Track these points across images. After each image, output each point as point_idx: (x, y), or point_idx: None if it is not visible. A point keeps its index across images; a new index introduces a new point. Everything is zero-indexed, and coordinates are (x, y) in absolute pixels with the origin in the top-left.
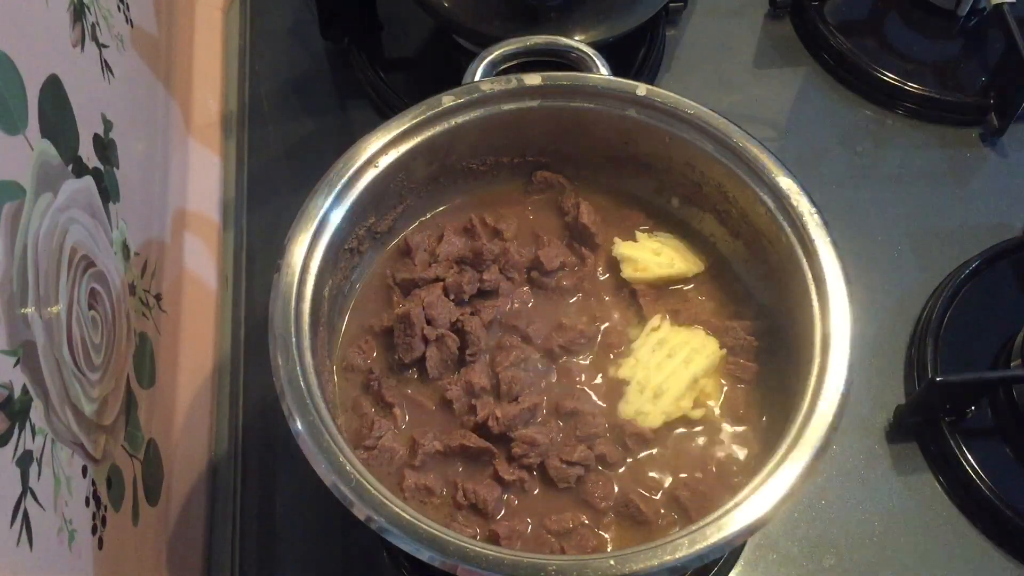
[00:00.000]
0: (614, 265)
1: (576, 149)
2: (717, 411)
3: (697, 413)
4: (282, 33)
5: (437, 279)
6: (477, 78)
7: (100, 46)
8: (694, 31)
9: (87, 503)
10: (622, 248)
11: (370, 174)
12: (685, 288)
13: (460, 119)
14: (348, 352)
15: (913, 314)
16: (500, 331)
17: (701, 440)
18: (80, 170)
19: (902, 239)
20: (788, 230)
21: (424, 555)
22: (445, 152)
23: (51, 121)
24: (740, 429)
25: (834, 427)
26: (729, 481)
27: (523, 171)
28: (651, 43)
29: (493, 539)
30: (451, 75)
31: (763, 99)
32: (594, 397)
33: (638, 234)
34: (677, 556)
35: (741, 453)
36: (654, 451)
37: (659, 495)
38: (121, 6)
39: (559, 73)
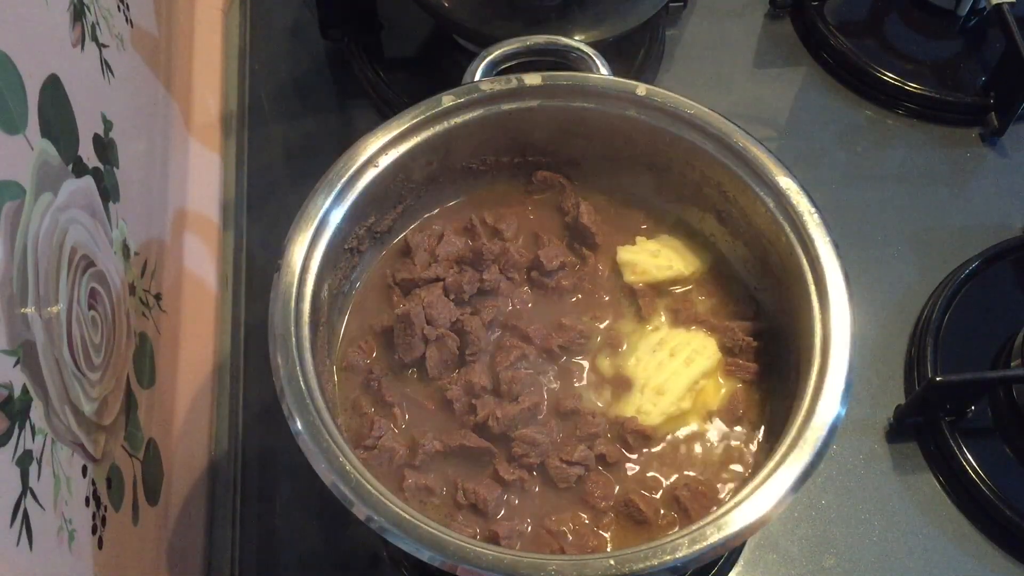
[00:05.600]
0: (614, 265)
1: (576, 149)
2: (717, 411)
3: (697, 413)
4: (282, 33)
5: (437, 279)
6: (477, 78)
7: (100, 46)
8: (694, 31)
9: (87, 503)
10: (622, 254)
11: (370, 174)
12: (685, 288)
13: (460, 119)
14: (348, 352)
15: (913, 314)
16: (500, 331)
17: (701, 440)
18: (80, 170)
19: (902, 239)
20: (788, 230)
21: (424, 555)
22: (445, 152)
23: (51, 121)
24: (740, 429)
25: (834, 427)
26: (729, 481)
27: (523, 171)
28: (651, 43)
29: (493, 539)
30: (451, 75)
31: (763, 99)
32: (594, 397)
33: (637, 237)
34: (677, 556)
35: (741, 453)
36: (654, 451)
37: (659, 495)
38: (121, 6)
39: (559, 73)
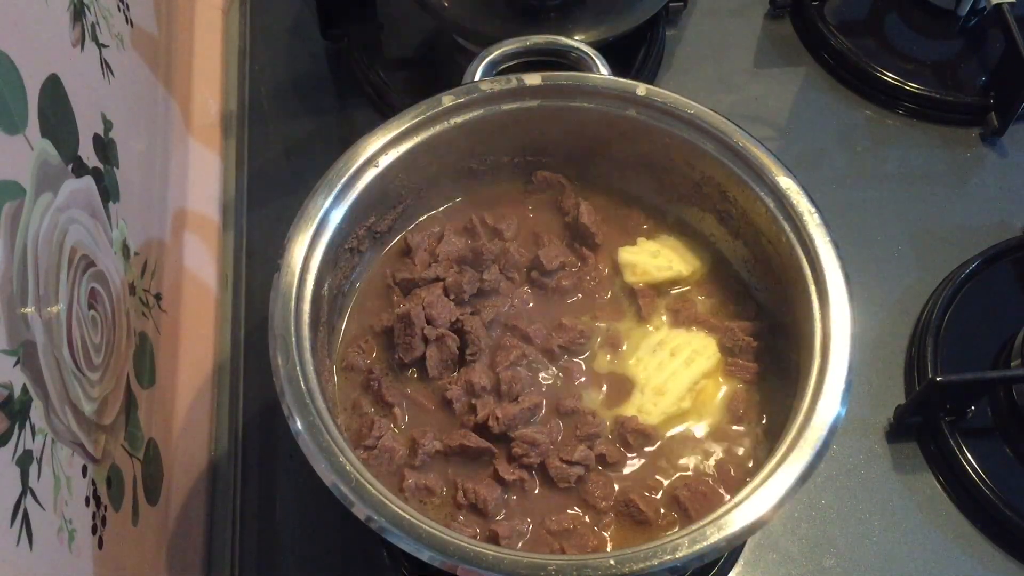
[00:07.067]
0: (614, 265)
1: (576, 149)
2: (717, 411)
3: (697, 413)
4: (282, 33)
5: (437, 279)
6: (477, 78)
7: (100, 46)
8: (694, 31)
9: (87, 503)
10: (622, 254)
11: (370, 174)
12: (685, 288)
13: (460, 119)
14: (348, 352)
15: (913, 314)
16: (500, 331)
17: (701, 440)
18: (80, 170)
19: (902, 239)
20: (788, 230)
21: (424, 555)
22: (445, 152)
23: (51, 121)
24: (740, 429)
25: (834, 427)
26: (729, 481)
27: (523, 171)
28: (651, 43)
29: (493, 539)
30: (451, 75)
31: (763, 99)
32: (594, 397)
33: (638, 238)
34: (677, 556)
35: (741, 453)
36: (654, 450)
37: (659, 495)
38: (121, 6)
39: (559, 73)
